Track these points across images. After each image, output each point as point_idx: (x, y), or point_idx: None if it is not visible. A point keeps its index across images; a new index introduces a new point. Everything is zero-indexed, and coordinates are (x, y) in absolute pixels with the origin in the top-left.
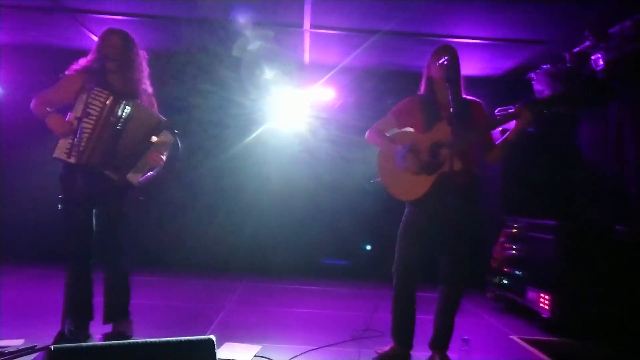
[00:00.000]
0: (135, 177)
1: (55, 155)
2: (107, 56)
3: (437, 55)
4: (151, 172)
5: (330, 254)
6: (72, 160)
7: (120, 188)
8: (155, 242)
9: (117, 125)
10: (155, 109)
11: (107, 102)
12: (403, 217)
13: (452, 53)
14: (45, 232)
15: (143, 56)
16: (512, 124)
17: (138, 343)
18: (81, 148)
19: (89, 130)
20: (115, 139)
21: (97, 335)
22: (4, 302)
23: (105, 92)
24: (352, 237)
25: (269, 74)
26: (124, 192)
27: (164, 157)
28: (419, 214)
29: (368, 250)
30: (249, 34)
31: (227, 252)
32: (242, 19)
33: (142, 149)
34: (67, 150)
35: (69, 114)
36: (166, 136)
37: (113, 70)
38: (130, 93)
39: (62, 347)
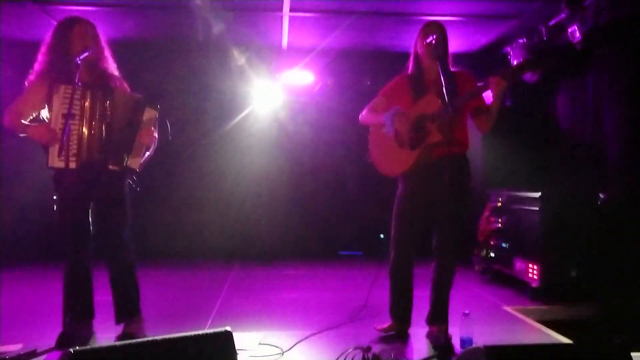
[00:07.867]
0: (135, 162)
1: (50, 165)
2: (84, 49)
3: (425, 33)
4: (148, 153)
5: (315, 237)
6: (73, 165)
7: (116, 180)
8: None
9: (105, 118)
10: (129, 90)
11: (87, 98)
12: (397, 194)
13: (439, 30)
14: (40, 231)
15: (105, 42)
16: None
17: (157, 340)
18: (75, 151)
19: (76, 131)
20: (106, 131)
21: (109, 336)
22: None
23: (81, 88)
24: (336, 219)
25: (240, 58)
26: (120, 184)
27: (155, 134)
28: (410, 189)
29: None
30: (211, 17)
31: (212, 239)
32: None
33: (132, 132)
34: (62, 158)
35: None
36: (150, 112)
37: (88, 62)
38: (103, 82)
39: (84, 350)
